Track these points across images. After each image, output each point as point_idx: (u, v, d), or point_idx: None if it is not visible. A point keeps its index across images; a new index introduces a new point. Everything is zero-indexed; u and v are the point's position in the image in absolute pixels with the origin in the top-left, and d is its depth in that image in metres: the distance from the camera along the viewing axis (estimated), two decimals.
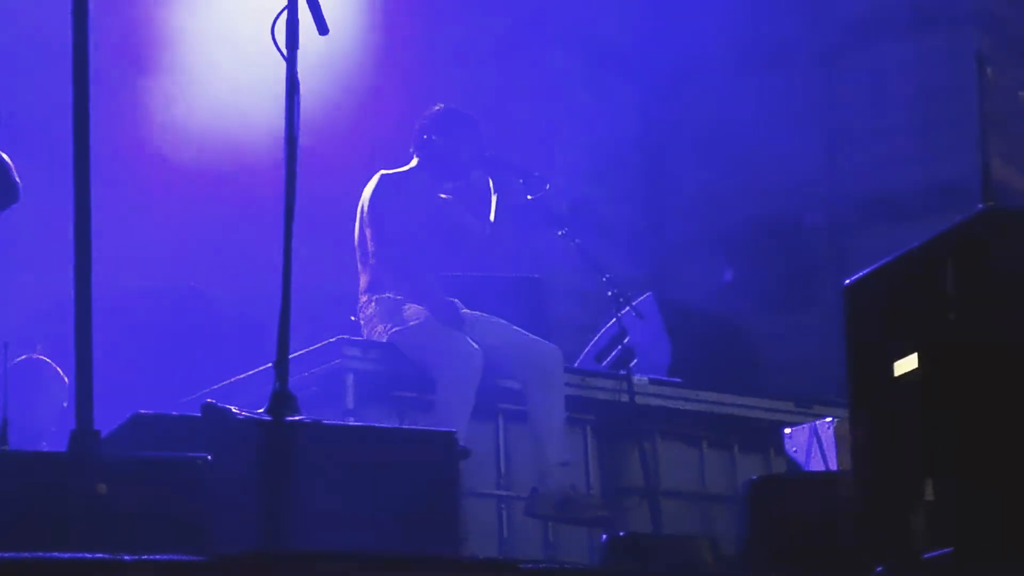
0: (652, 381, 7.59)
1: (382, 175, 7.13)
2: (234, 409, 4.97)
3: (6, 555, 2.99)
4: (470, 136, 7.22)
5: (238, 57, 8.23)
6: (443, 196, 7.25)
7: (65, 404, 7.26)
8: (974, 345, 3.34)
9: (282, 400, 4.13)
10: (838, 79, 10.76)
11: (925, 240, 3.54)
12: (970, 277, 3.37)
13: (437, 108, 7.27)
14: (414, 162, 7.23)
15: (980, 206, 3.45)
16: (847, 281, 3.83)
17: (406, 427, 6.42)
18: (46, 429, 7.24)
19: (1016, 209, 3.41)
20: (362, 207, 7.10)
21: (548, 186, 7.21)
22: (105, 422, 4.05)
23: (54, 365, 7.35)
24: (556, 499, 6.72)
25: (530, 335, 7.00)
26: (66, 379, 7.30)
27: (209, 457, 4.04)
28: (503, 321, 7.05)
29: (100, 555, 3.04)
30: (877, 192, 10.39)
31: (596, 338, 7.89)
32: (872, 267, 3.75)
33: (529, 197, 7.21)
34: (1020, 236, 3.35)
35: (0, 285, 7.39)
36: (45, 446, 7.04)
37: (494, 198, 7.25)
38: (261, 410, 4.57)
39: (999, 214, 3.40)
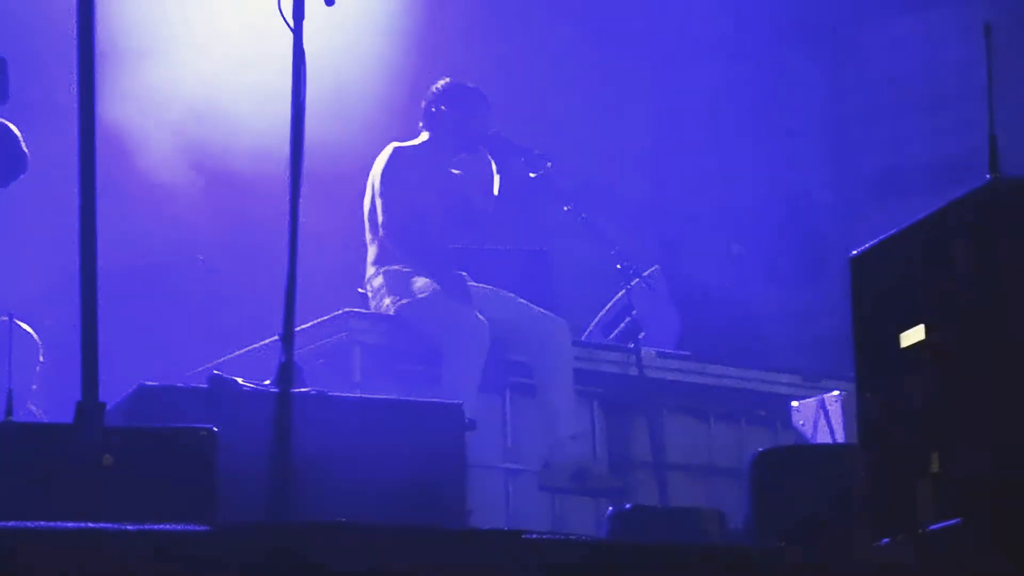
0: (660, 354, 7.59)
1: (395, 147, 7.13)
2: (241, 381, 4.99)
3: (12, 524, 3.00)
4: (478, 109, 7.22)
5: (245, 29, 8.20)
6: (454, 172, 7.26)
7: (42, 359, 7.25)
8: (981, 315, 3.34)
9: (289, 372, 4.13)
10: (847, 54, 10.73)
11: (932, 211, 3.53)
12: (977, 247, 3.36)
13: (445, 82, 7.27)
14: (424, 136, 7.23)
15: (988, 176, 3.44)
16: (854, 253, 3.82)
17: (412, 399, 6.43)
18: (27, 388, 7.19)
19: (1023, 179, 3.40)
20: (373, 179, 7.10)
21: (550, 164, 7.20)
22: (111, 394, 4.05)
23: (23, 325, 7.30)
24: (569, 471, 6.74)
25: (537, 308, 7.01)
26: (36, 336, 7.28)
27: (215, 429, 4.04)
28: (511, 294, 7.06)
29: (104, 525, 3.05)
30: (886, 168, 10.37)
31: (603, 311, 7.88)
32: (879, 239, 3.73)
33: (532, 175, 7.21)
34: None
35: (6, 257, 7.38)
36: (33, 408, 7.02)
37: (497, 177, 7.25)
38: (268, 382, 4.59)
39: (1007, 184, 3.39)
